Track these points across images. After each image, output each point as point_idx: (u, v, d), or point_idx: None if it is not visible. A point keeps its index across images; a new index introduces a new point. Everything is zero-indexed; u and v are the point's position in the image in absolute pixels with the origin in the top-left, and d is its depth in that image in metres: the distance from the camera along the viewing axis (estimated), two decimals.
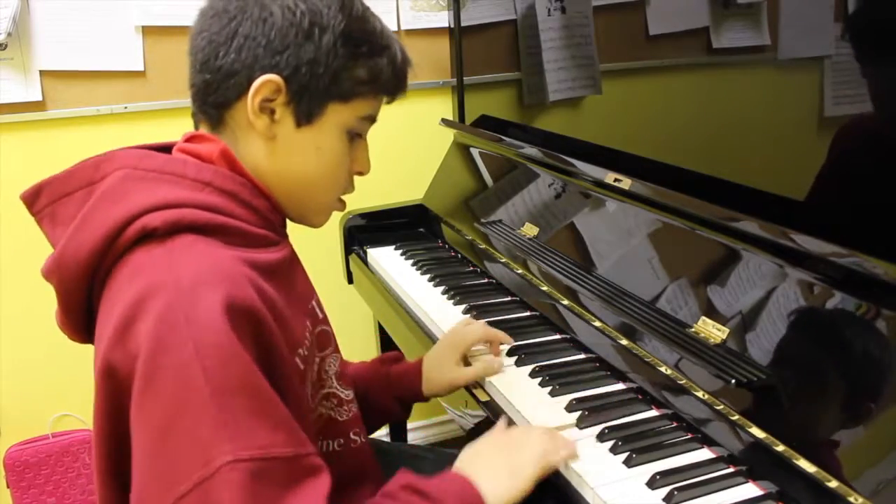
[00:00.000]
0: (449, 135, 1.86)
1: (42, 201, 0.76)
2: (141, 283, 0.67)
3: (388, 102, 0.85)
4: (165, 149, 0.81)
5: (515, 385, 1.04)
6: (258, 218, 0.77)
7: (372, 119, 0.84)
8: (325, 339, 0.86)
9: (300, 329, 0.79)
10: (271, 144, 0.79)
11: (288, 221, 0.86)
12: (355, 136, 0.83)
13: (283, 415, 0.68)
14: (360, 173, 0.87)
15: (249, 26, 0.75)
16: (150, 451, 0.65)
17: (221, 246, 0.71)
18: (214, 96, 0.77)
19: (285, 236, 0.83)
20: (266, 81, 0.75)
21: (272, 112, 0.77)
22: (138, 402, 0.65)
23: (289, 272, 0.81)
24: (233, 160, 0.77)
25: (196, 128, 0.83)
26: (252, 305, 0.68)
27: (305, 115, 0.78)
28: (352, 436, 0.91)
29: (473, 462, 0.82)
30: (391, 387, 1.08)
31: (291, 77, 0.76)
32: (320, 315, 0.85)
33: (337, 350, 0.88)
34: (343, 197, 0.88)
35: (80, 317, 0.76)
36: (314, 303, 0.86)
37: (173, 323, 0.64)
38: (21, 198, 0.78)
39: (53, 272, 0.73)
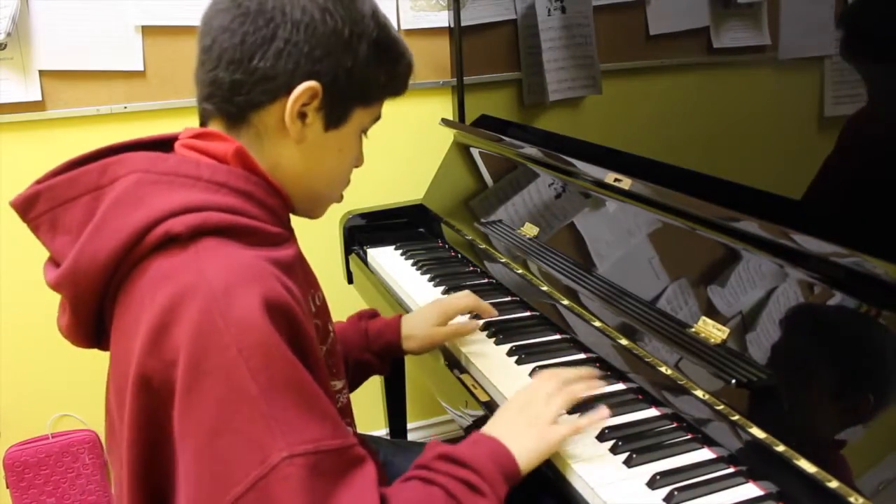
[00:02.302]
0: (449, 135, 1.86)
1: (39, 208, 0.74)
2: (170, 289, 0.67)
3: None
4: (166, 142, 0.81)
5: (515, 385, 1.04)
6: (272, 216, 0.77)
7: (379, 118, 0.86)
8: (315, 332, 0.86)
9: (311, 323, 0.80)
10: (299, 146, 0.79)
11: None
12: (361, 134, 0.86)
13: (327, 407, 0.69)
14: (356, 166, 0.89)
15: (290, 30, 0.74)
16: (202, 454, 0.65)
17: (243, 247, 0.71)
18: (245, 97, 0.76)
19: (293, 232, 0.84)
20: (307, 89, 0.75)
21: (303, 116, 0.77)
22: (184, 408, 0.65)
23: (301, 267, 0.81)
24: (247, 159, 0.76)
25: (202, 122, 0.82)
26: (286, 301, 0.69)
27: (335, 119, 0.79)
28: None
29: (498, 426, 0.84)
30: (369, 341, 1.12)
31: (329, 84, 0.76)
32: (314, 309, 0.86)
33: (322, 342, 0.88)
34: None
35: (90, 324, 0.75)
36: (311, 296, 0.86)
37: (211, 327, 0.64)
38: (12, 205, 0.75)
39: (67, 282, 0.72)
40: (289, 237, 0.80)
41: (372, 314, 1.18)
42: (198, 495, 0.65)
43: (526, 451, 0.80)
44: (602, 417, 0.88)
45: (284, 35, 0.74)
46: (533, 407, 0.86)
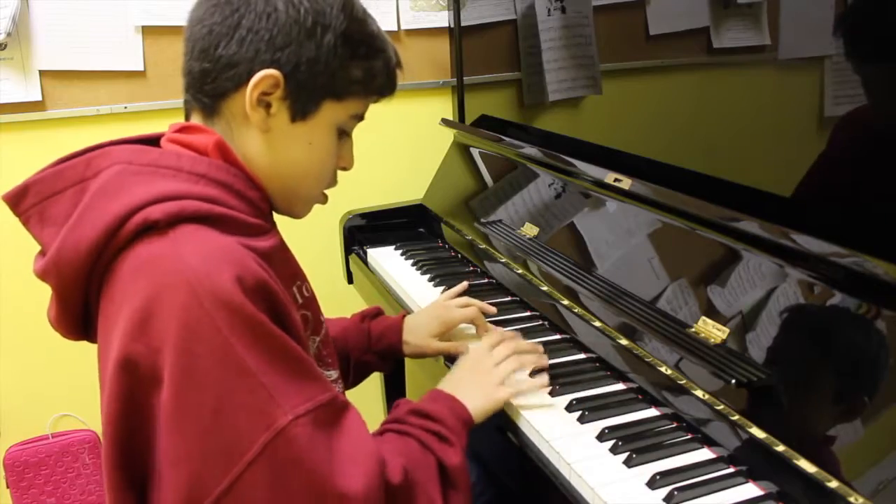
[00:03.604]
0: (449, 135, 1.86)
1: (29, 201, 0.76)
2: (151, 275, 0.68)
3: (376, 101, 0.87)
4: (153, 140, 0.82)
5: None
6: (251, 208, 0.79)
7: (360, 117, 0.86)
8: (304, 323, 0.87)
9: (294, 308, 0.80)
10: (265, 136, 0.80)
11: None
12: (343, 134, 0.86)
13: (312, 365, 0.73)
14: (345, 169, 0.89)
15: (253, 19, 0.76)
16: (206, 432, 0.67)
17: (221, 234, 0.72)
18: (212, 86, 0.78)
19: (274, 224, 0.85)
20: (266, 76, 0.76)
21: (268, 105, 0.78)
22: (179, 393, 0.66)
23: (281, 259, 0.82)
24: (227, 151, 0.78)
25: (187, 116, 0.84)
26: (263, 279, 0.70)
27: (301, 110, 0.80)
28: None
29: (452, 384, 0.93)
30: (371, 343, 1.15)
31: (291, 73, 0.77)
32: (300, 300, 0.87)
33: (315, 332, 0.90)
34: (339, 193, 0.90)
35: (77, 314, 0.77)
36: (296, 287, 0.87)
37: (197, 311, 0.66)
38: (4, 198, 0.77)
39: (51, 271, 0.73)
40: (269, 229, 0.81)
41: (376, 313, 1.19)
42: (202, 472, 0.67)
43: (476, 409, 0.89)
44: (542, 385, 0.99)
45: (247, 24, 0.76)
46: (481, 370, 0.97)
